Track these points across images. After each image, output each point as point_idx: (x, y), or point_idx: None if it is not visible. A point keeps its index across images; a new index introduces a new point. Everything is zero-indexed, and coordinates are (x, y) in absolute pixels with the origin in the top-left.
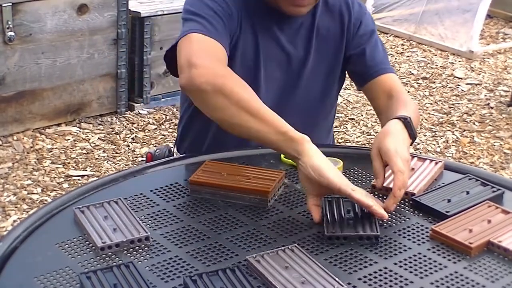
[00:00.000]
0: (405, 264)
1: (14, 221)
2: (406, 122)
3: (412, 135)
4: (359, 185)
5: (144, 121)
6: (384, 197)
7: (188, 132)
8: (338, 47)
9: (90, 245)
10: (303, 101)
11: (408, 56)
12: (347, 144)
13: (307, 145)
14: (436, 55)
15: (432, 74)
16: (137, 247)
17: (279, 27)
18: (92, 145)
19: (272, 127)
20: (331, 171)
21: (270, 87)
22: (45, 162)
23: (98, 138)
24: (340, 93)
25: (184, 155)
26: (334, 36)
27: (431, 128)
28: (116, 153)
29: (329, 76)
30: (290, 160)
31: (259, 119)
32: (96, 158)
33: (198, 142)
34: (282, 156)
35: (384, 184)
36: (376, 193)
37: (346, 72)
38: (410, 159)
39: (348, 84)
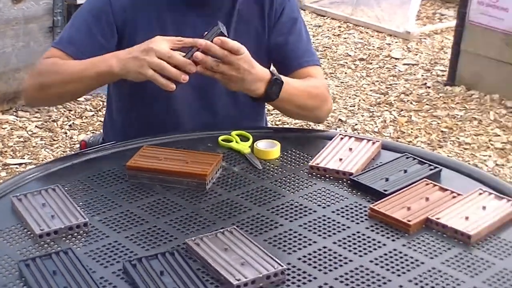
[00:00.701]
0: (344, 243)
1: None
2: (272, 79)
3: (267, 91)
4: (297, 166)
5: (81, 108)
6: (322, 177)
7: (115, 120)
8: (260, 33)
9: (29, 232)
10: (226, 90)
11: (345, 38)
12: (285, 126)
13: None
14: (373, 36)
15: (369, 56)
16: (75, 234)
17: (194, 10)
18: (30, 133)
19: (83, 74)
20: None
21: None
22: None
23: (36, 126)
24: None
25: (121, 141)
26: (255, 21)
27: (368, 108)
28: (54, 140)
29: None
30: (228, 144)
31: (75, 79)
32: (34, 146)
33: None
34: (220, 139)
35: (321, 164)
36: (313, 173)
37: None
38: (246, 62)
39: None
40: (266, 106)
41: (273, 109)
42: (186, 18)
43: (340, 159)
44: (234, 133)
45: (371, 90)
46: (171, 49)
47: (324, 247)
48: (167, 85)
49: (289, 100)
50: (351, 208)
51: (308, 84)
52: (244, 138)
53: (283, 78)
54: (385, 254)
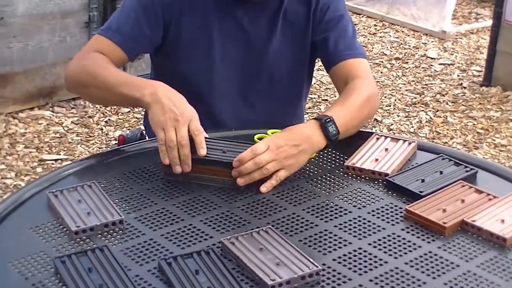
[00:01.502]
0: (379, 245)
1: None
2: (322, 123)
3: (328, 137)
4: (333, 166)
5: None
6: (358, 177)
7: None
8: (304, 31)
9: (64, 229)
10: (268, 86)
11: (381, 37)
12: None
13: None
14: (408, 35)
15: (405, 55)
16: (111, 231)
17: (241, 6)
18: (66, 128)
19: (118, 90)
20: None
21: (230, 68)
22: (19, 146)
23: (72, 121)
24: (313, 74)
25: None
26: (301, 21)
27: (404, 108)
28: (90, 136)
29: (296, 62)
30: None
31: (110, 91)
32: (70, 142)
33: None
34: (256, 137)
35: (357, 165)
36: (349, 173)
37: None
38: (281, 147)
39: (321, 65)
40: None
41: (309, 108)
42: (231, 14)
43: (376, 160)
44: (270, 131)
45: (406, 90)
46: None
47: (359, 248)
48: (163, 159)
49: (347, 130)
50: (387, 209)
51: (353, 101)
52: None
53: (328, 113)
54: (420, 256)
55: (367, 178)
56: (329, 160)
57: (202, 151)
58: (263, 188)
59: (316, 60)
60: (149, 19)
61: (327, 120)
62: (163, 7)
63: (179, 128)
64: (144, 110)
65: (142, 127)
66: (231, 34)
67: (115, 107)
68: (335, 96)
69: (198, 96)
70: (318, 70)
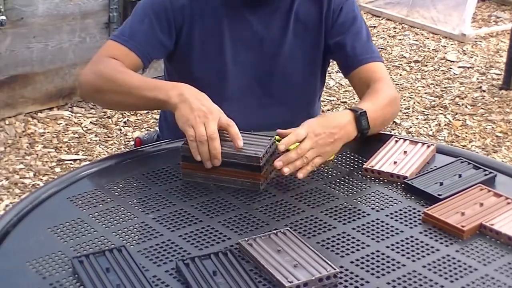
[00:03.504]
0: (397, 247)
1: (7, 205)
2: (357, 115)
3: (359, 129)
4: (351, 168)
5: None
6: (376, 180)
7: (171, 117)
8: (317, 33)
9: (82, 229)
10: (281, 89)
11: (400, 40)
12: None
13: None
14: (428, 38)
15: (424, 58)
16: (129, 231)
17: (251, 9)
18: (84, 129)
19: (141, 94)
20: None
21: (242, 72)
22: (37, 146)
23: (90, 122)
24: (332, 76)
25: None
26: (313, 22)
27: (423, 111)
28: (108, 137)
29: (310, 64)
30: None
31: (132, 95)
32: (88, 142)
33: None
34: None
35: (375, 167)
36: (367, 176)
37: (332, 61)
38: (319, 135)
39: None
40: (321, 107)
41: (328, 110)
42: (242, 17)
43: (395, 162)
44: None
45: (425, 93)
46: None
47: (377, 251)
48: (194, 155)
49: (374, 126)
50: (405, 212)
51: (380, 100)
52: None
53: (361, 106)
54: (438, 260)
55: (385, 180)
56: (347, 162)
57: (239, 142)
58: (300, 174)
59: (330, 62)
60: (162, 25)
61: (361, 113)
62: (175, 12)
63: (208, 124)
64: (161, 111)
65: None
66: (243, 37)
67: None
68: (354, 99)
69: (215, 97)
70: (337, 72)
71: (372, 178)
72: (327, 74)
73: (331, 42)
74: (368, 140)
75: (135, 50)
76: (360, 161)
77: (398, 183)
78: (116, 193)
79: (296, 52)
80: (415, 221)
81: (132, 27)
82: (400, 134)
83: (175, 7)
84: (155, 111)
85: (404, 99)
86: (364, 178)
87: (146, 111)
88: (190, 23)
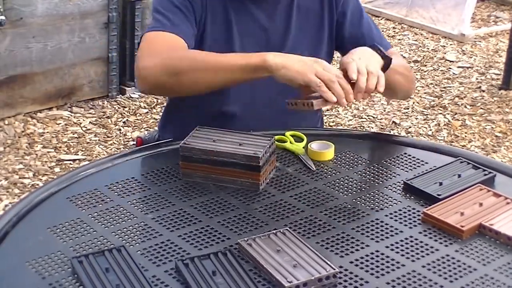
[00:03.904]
0: (397, 247)
1: (6, 205)
2: (376, 48)
3: (385, 58)
4: (351, 168)
5: (135, 105)
6: (376, 180)
7: (173, 118)
8: (319, 25)
9: (82, 229)
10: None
11: (399, 40)
12: (339, 128)
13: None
14: (427, 38)
15: (423, 58)
16: (128, 231)
17: (254, 3)
18: (84, 129)
19: (230, 63)
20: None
21: None
22: (37, 146)
23: (90, 122)
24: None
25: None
26: (314, 14)
27: (422, 111)
28: (108, 137)
29: (314, 55)
30: (282, 144)
31: (217, 68)
32: (88, 142)
33: (183, 128)
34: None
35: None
36: (368, 177)
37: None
38: (371, 67)
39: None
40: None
41: (327, 110)
42: (247, 11)
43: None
44: (288, 133)
45: (425, 93)
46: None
47: (377, 251)
48: (331, 97)
49: (392, 75)
50: (404, 212)
51: (402, 61)
52: (298, 139)
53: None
54: (438, 260)
55: (384, 180)
56: (347, 162)
57: (351, 97)
58: (380, 88)
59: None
60: (190, 13)
61: (377, 46)
62: (196, 4)
63: (325, 67)
64: (163, 111)
65: None
66: (250, 31)
67: (133, 107)
68: None
69: (217, 96)
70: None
71: (371, 180)
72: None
73: (347, 34)
74: (368, 139)
75: (184, 37)
76: (360, 161)
77: (398, 183)
78: (116, 193)
79: (300, 45)
80: (414, 221)
81: (169, 18)
82: (399, 134)
83: (196, 0)
84: (155, 110)
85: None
86: (363, 178)
87: (146, 111)
88: (205, 17)
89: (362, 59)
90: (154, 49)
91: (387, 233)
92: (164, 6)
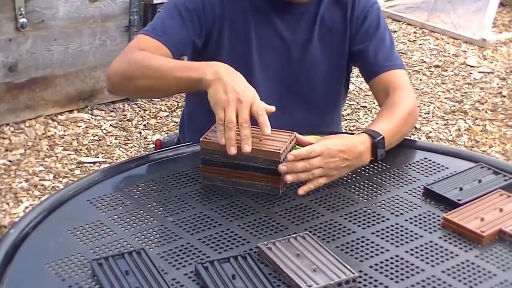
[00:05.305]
0: (417, 252)
1: (26, 207)
2: (374, 143)
3: (375, 158)
4: (371, 172)
5: (156, 108)
6: (396, 184)
7: (191, 122)
8: (342, 39)
9: (102, 231)
10: (305, 93)
11: (420, 44)
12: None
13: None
14: (448, 43)
15: (444, 62)
16: (148, 234)
17: (278, 14)
18: (104, 131)
19: (174, 75)
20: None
21: (267, 76)
22: (57, 148)
23: (110, 125)
24: (352, 81)
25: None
26: (338, 27)
27: (443, 116)
28: (128, 140)
29: (334, 68)
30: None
31: (168, 77)
32: (108, 145)
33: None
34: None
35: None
36: (387, 181)
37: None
38: (333, 157)
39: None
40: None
41: (348, 115)
42: (269, 22)
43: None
44: (308, 137)
45: (445, 98)
46: None
47: (396, 256)
48: (219, 138)
49: (390, 144)
50: (424, 217)
51: (398, 115)
52: None
53: (377, 129)
54: (457, 265)
55: (404, 185)
56: (366, 166)
57: (267, 130)
58: (301, 191)
59: (353, 67)
60: (194, 24)
61: (379, 140)
62: (206, 12)
63: (241, 111)
64: (182, 115)
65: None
66: (269, 42)
67: (153, 111)
68: (374, 103)
69: None
70: (357, 76)
71: (393, 185)
72: None
73: (355, 49)
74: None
75: (167, 45)
76: (380, 166)
77: (418, 188)
78: (136, 196)
79: (321, 57)
80: (434, 226)
81: (164, 22)
82: (419, 139)
83: (206, 7)
84: (175, 113)
85: (424, 104)
86: (383, 182)
87: (166, 114)
88: (220, 24)
89: (331, 161)
90: (128, 51)
91: (407, 237)
92: (168, 8)
